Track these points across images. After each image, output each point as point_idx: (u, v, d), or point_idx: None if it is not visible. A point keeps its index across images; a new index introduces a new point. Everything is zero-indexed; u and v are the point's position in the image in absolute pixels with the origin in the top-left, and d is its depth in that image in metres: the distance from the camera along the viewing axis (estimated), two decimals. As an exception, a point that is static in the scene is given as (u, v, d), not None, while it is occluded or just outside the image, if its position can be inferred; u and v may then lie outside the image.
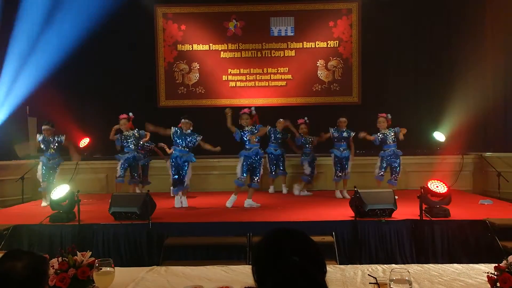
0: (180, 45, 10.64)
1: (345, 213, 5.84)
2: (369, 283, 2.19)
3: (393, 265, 2.90)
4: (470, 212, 6.04)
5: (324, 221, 5.65)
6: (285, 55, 10.58)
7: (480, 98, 9.14)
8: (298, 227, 1.48)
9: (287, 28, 10.56)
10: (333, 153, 7.90)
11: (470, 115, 8.89)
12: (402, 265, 3.15)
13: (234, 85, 10.63)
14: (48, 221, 5.64)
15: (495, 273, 2.19)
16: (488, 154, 8.79)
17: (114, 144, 7.70)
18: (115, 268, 2.35)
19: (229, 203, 6.76)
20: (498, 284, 2.15)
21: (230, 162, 9.03)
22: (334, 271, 2.59)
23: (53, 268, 2.30)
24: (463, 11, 9.64)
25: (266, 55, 10.60)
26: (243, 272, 2.64)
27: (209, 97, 10.62)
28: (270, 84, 10.60)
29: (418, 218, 5.28)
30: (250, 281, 1.39)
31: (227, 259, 4.96)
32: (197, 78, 10.66)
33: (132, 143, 7.63)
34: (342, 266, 2.74)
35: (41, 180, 7.41)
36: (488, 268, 2.30)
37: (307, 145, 8.34)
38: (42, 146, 7.49)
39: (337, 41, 10.54)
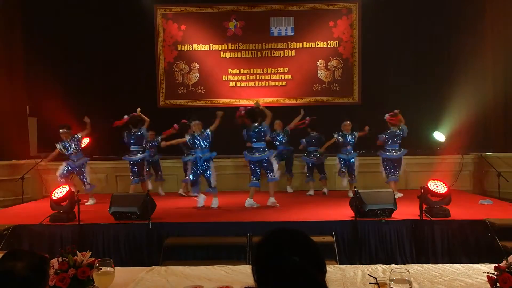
0: (180, 45, 10.64)
1: (345, 213, 5.84)
2: (369, 283, 2.19)
3: (393, 265, 2.90)
4: (470, 212, 6.04)
5: (324, 221, 5.65)
6: (285, 55, 10.58)
7: (480, 98, 9.14)
8: (298, 227, 1.48)
9: (287, 28, 10.56)
10: (340, 157, 7.88)
11: (470, 115, 8.89)
12: (402, 265, 3.14)
13: (234, 85, 10.63)
14: (48, 221, 5.65)
15: (495, 273, 2.18)
16: (488, 154, 8.79)
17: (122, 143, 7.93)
18: (115, 268, 2.35)
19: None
20: (498, 284, 2.15)
21: (231, 162, 9.07)
22: (334, 271, 2.59)
23: (53, 268, 2.30)
24: (463, 11, 9.63)
25: (266, 55, 10.60)
26: (243, 272, 2.64)
27: (209, 97, 10.62)
28: (270, 84, 10.61)
29: (418, 218, 5.28)
30: (250, 281, 1.39)
31: (227, 259, 4.96)
32: (197, 78, 10.66)
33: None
34: (342, 266, 2.73)
35: (58, 176, 7.38)
36: (488, 268, 2.30)
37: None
38: (64, 152, 7.50)
39: (337, 41, 10.54)
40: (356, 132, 7.92)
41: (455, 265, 2.75)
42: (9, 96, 8.80)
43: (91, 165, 9.23)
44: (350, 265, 2.76)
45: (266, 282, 1.30)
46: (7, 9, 8.91)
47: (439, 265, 2.73)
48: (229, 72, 10.62)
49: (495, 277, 2.17)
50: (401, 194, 7.30)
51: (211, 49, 10.64)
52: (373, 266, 2.70)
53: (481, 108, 9.18)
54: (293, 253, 1.33)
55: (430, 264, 2.79)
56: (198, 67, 10.64)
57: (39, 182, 8.86)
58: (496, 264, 2.22)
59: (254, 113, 6.95)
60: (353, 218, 5.45)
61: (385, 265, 2.77)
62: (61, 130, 7.42)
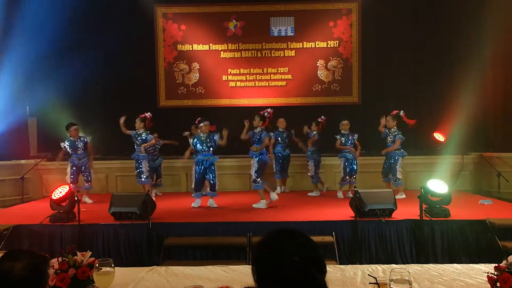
0: (180, 45, 10.64)
1: (345, 213, 5.84)
2: (369, 283, 2.19)
3: (393, 265, 2.90)
4: (470, 212, 6.04)
5: (324, 221, 5.66)
6: (285, 55, 10.58)
7: (480, 98, 9.13)
8: (298, 227, 1.48)
9: (287, 28, 10.56)
10: (345, 157, 7.80)
11: (470, 115, 8.88)
12: (402, 265, 3.14)
13: (234, 85, 10.63)
14: (48, 221, 5.65)
15: (495, 273, 2.18)
16: (488, 154, 8.79)
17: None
18: (115, 268, 2.35)
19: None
20: (498, 284, 2.14)
21: (230, 162, 9.06)
22: (334, 271, 2.59)
23: (53, 268, 2.30)
24: (463, 10, 9.63)
25: (266, 55, 10.59)
26: (243, 272, 2.64)
27: (209, 97, 10.61)
28: (270, 84, 10.60)
29: (418, 218, 5.28)
30: (250, 281, 1.39)
31: (227, 259, 4.97)
32: (197, 78, 10.65)
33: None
34: (342, 266, 2.73)
35: (69, 181, 7.40)
36: (488, 268, 2.30)
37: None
38: (69, 150, 7.54)
39: (337, 41, 10.54)
40: (355, 133, 7.87)
41: (455, 265, 2.75)
42: (9, 96, 8.80)
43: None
44: (350, 265, 2.76)
45: (266, 282, 1.30)
46: (5, 9, 8.90)
47: (439, 265, 2.73)
48: (229, 72, 10.62)
49: (495, 277, 2.17)
50: (404, 196, 7.32)
51: (211, 49, 10.64)
52: (373, 266, 2.69)
53: (481, 108, 9.18)
54: (293, 253, 1.33)
55: (430, 264, 2.79)
56: (198, 67, 10.63)
57: (39, 182, 8.86)
58: (496, 264, 2.22)
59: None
60: (353, 218, 5.46)
61: (385, 265, 2.77)
62: (74, 127, 7.50)
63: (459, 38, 9.67)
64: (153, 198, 6.50)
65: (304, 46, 10.56)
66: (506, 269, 2.15)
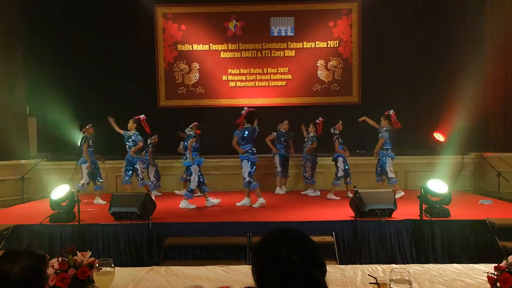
0: (180, 45, 10.64)
1: (345, 213, 5.83)
2: (369, 283, 2.19)
3: (393, 265, 2.90)
4: (470, 212, 6.04)
5: (324, 221, 5.65)
6: (285, 55, 10.58)
7: (480, 98, 9.13)
8: (298, 227, 1.48)
9: (287, 28, 10.56)
10: (342, 157, 7.82)
11: (470, 115, 8.88)
12: (402, 265, 3.14)
13: (234, 85, 10.63)
14: (48, 221, 5.64)
15: (495, 273, 2.18)
16: (488, 154, 8.79)
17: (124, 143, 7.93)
18: (115, 268, 2.35)
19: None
20: (498, 284, 2.14)
21: (230, 162, 9.05)
22: (334, 271, 2.59)
23: (53, 268, 2.30)
24: (463, 11, 9.63)
25: (266, 55, 10.60)
26: (243, 272, 2.63)
27: (209, 97, 10.62)
28: (270, 84, 10.60)
29: (418, 218, 5.27)
30: (250, 281, 1.39)
31: (227, 259, 4.97)
32: (197, 78, 10.66)
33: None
34: (342, 266, 2.73)
35: (86, 182, 7.41)
36: (488, 268, 2.30)
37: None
38: (91, 148, 7.45)
39: (337, 41, 10.54)
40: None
41: (455, 265, 2.74)
42: (9, 96, 8.79)
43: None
44: (350, 265, 2.76)
45: (266, 282, 1.30)
46: (7, 9, 8.89)
47: (439, 265, 2.73)
48: (229, 72, 10.62)
49: (495, 277, 2.17)
50: (403, 193, 7.36)
51: (211, 49, 10.64)
52: (373, 266, 2.69)
53: (481, 108, 9.17)
54: (293, 253, 1.33)
55: (430, 264, 2.79)
56: (198, 67, 10.63)
57: (39, 182, 8.85)
58: (496, 264, 2.21)
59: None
60: (353, 218, 5.45)
61: (385, 265, 2.77)
62: (89, 125, 7.51)
63: (459, 37, 9.67)
64: (153, 198, 6.50)
65: (304, 46, 10.56)
66: (506, 269, 2.15)
